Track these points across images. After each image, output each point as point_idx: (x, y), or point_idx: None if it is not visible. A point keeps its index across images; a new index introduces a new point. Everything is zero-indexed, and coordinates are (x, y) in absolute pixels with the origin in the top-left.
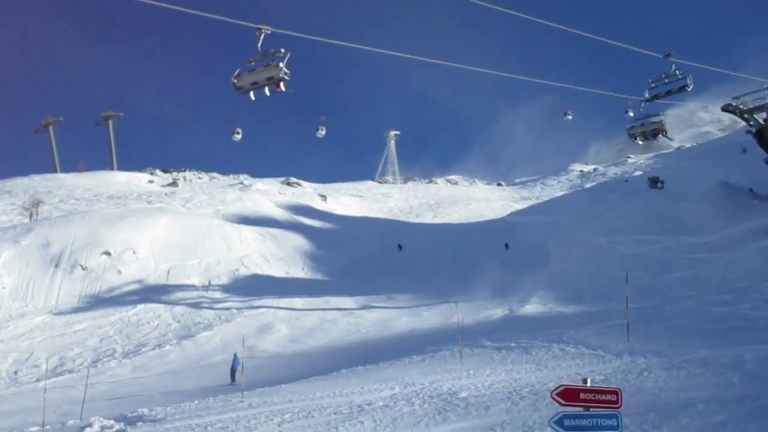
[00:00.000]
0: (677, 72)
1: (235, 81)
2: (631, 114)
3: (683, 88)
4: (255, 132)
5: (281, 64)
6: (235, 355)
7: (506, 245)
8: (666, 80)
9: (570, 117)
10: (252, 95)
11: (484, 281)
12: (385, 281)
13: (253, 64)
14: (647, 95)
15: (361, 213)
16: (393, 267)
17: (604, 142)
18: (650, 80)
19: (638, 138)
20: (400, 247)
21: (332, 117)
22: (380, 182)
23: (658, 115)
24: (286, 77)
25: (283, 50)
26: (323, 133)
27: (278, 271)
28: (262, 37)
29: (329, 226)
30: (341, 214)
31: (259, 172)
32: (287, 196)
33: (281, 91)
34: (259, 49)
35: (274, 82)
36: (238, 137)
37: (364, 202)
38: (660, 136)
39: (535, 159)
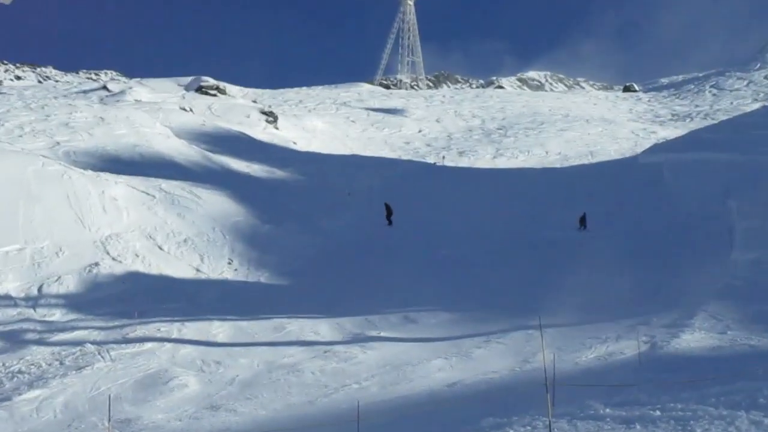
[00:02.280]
0: None
1: None
2: None
3: None
4: None
5: None
6: None
7: (582, 221)
8: None
9: None
10: None
11: (598, 285)
12: (395, 286)
13: None
14: None
15: (348, 149)
16: (411, 257)
17: None
18: None
19: None
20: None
21: None
22: (387, 86)
23: None
24: None
25: None
26: None
27: (180, 266)
28: None
29: (283, 176)
30: (307, 150)
31: (140, 68)
32: (198, 115)
33: None
34: None
35: None
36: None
37: (355, 127)
38: None
39: (701, 41)
